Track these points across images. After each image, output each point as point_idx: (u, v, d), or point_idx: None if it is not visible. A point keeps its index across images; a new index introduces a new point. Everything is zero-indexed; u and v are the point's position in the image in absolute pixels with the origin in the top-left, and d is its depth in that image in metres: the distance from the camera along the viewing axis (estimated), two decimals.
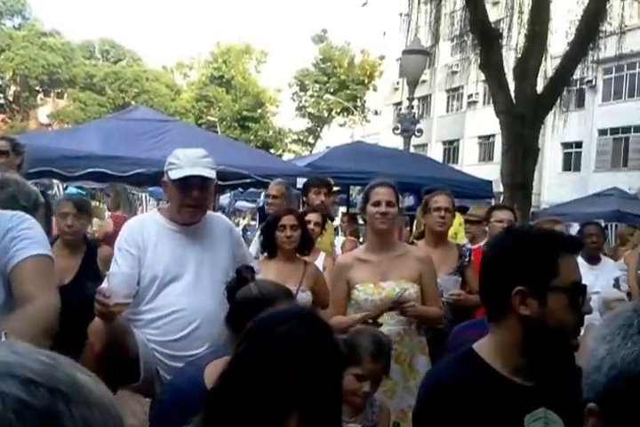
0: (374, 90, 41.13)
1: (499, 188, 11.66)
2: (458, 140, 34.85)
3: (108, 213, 5.79)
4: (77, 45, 44.22)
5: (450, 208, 4.01)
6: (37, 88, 42.93)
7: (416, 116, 11.95)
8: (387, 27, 34.88)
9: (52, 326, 1.98)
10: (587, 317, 3.76)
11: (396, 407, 2.96)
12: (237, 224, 15.75)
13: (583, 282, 1.58)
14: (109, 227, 5.87)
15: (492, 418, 1.50)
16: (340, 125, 42.53)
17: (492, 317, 1.63)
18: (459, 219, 6.98)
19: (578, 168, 27.85)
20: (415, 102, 14.05)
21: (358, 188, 9.38)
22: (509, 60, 12.22)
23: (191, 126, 14.40)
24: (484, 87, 23.23)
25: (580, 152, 27.82)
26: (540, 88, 11.71)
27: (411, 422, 1.78)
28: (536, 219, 9.41)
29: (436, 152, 34.02)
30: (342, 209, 11.18)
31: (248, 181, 7.15)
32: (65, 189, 8.57)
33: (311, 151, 38.07)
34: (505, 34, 12.61)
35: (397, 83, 34.43)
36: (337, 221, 9.35)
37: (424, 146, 34.43)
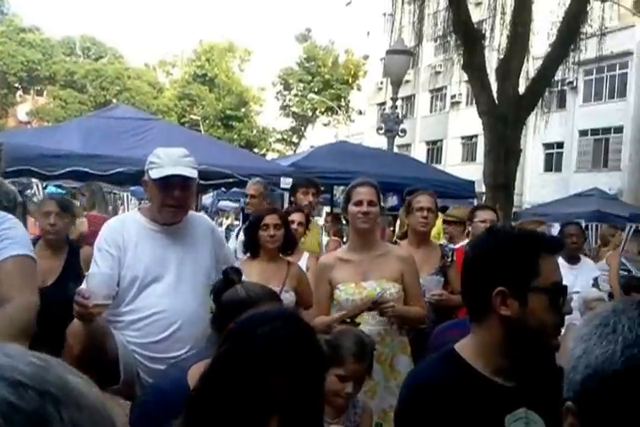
0: (358, 89, 41.19)
1: (481, 188, 11.72)
2: (441, 140, 35.01)
3: (83, 213, 5.72)
4: (57, 42, 43.85)
5: (432, 208, 4.01)
6: (16, 85, 42.49)
7: (400, 116, 11.99)
8: (370, 26, 34.96)
9: (30, 327, 1.95)
10: (567, 317, 3.80)
11: (377, 408, 2.96)
12: (220, 224, 15.69)
13: (563, 282, 1.59)
14: (84, 227, 5.82)
15: (473, 418, 1.50)
16: (325, 125, 42.55)
17: (473, 317, 1.64)
18: (442, 219, 7.00)
19: (559, 169, 28.08)
20: (399, 102, 14.10)
21: (342, 188, 9.37)
22: (492, 60, 12.30)
23: (173, 125, 14.35)
24: (467, 88, 23.33)
25: (562, 153, 28.05)
26: (522, 89, 11.79)
27: (392, 423, 1.78)
28: (518, 219, 9.49)
29: (419, 152, 34.14)
30: (326, 209, 11.18)
31: (231, 180, 7.11)
32: (44, 188, 8.48)
33: (295, 151, 38.06)
34: (487, 35, 12.69)
35: (381, 83, 34.51)
36: (321, 221, 9.34)
37: (408, 146, 34.54)
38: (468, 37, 11.64)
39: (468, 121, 24.57)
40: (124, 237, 2.81)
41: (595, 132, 26.53)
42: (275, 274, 3.78)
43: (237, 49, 45.26)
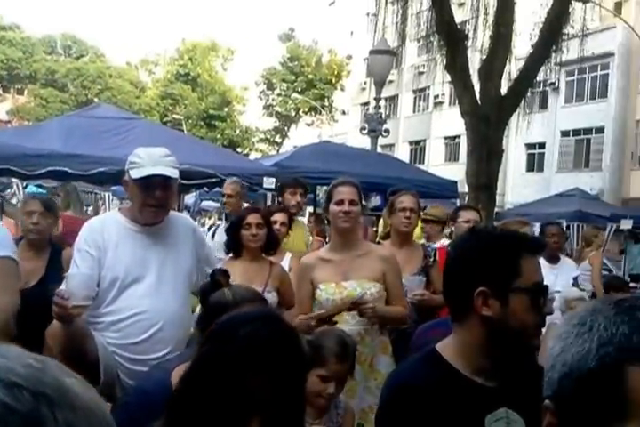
0: (342, 89, 41.21)
1: (464, 188, 11.77)
2: (424, 140, 35.12)
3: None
4: (38, 40, 43.51)
5: (415, 209, 4.02)
6: None
7: (383, 116, 12.01)
8: (354, 26, 34.99)
9: (6, 327, 1.93)
10: (549, 316, 3.82)
11: (357, 408, 2.95)
12: (203, 224, 15.61)
13: (544, 282, 1.59)
14: (58, 227, 5.75)
15: (454, 418, 1.51)
16: (308, 125, 42.52)
17: (454, 317, 1.64)
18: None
19: (541, 169, 28.29)
20: (382, 102, 14.12)
21: (325, 188, 9.36)
22: (475, 61, 12.35)
23: (156, 124, 14.26)
24: (450, 88, 23.42)
25: (544, 153, 28.26)
26: (504, 89, 11.85)
27: (372, 423, 1.78)
28: (500, 219, 9.54)
29: (402, 152, 34.23)
30: (309, 209, 11.18)
31: (214, 180, 7.08)
32: (24, 187, 8.39)
33: (278, 150, 38.00)
34: (470, 35, 12.75)
35: (365, 83, 34.59)
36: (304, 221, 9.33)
37: (391, 146, 34.62)
38: (450, 38, 11.69)
39: (451, 121, 24.66)
40: (104, 237, 2.78)
41: (576, 132, 26.75)
42: (257, 274, 3.78)
43: (220, 48, 45.13)
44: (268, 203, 7.15)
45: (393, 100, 35.80)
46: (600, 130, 25.68)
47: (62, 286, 2.55)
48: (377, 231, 6.86)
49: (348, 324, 3.09)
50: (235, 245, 3.88)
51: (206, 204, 17.16)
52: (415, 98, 36.13)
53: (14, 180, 7.99)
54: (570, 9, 12.01)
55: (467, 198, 11.74)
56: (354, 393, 2.98)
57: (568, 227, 12.60)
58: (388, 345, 3.23)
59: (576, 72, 24.96)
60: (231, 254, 3.96)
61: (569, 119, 26.44)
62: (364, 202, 4.00)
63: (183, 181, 5.39)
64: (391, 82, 20.90)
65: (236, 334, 1.56)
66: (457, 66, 11.65)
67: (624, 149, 25.23)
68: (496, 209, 13.55)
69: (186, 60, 43.00)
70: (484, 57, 12.00)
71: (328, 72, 40.14)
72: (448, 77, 12.67)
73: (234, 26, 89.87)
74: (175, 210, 5.52)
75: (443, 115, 31.88)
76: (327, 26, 40.74)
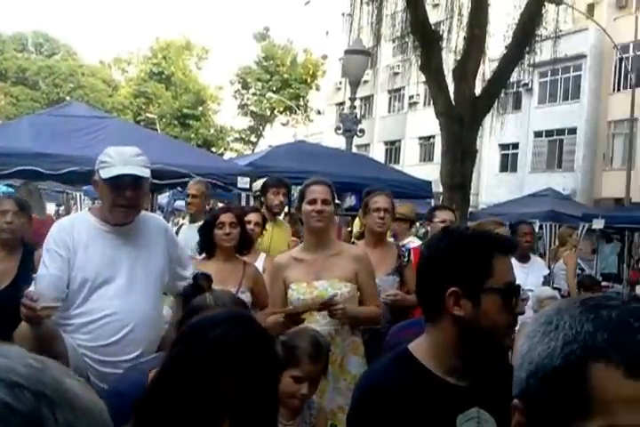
0: (317, 89, 41.22)
1: (438, 188, 11.82)
2: (399, 140, 35.29)
3: None
4: (8, 37, 42.91)
5: (389, 209, 4.02)
6: None
7: (358, 116, 12.00)
8: (329, 26, 35.02)
9: None
10: (522, 316, 3.84)
11: (326, 408, 2.95)
12: (177, 224, 15.50)
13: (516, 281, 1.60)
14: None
15: (426, 418, 1.51)
16: (283, 124, 42.46)
17: (427, 317, 1.64)
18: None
19: (514, 169, 28.57)
20: (357, 102, 14.13)
21: (300, 187, 9.36)
22: (449, 62, 12.42)
23: (128, 123, 14.10)
24: (425, 88, 23.54)
25: (517, 153, 28.55)
26: (478, 90, 11.93)
27: (343, 423, 1.77)
28: (474, 219, 9.59)
29: (378, 152, 34.37)
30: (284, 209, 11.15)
31: (187, 180, 7.01)
32: None
33: (253, 150, 37.88)
34: (445, 36, 12.81)
35: (340, 83, 34.65)
36: None
37: (366, 146, 34.74)
38: (425, 39, 11.73)
39: (426, 121, 24.81)
40: (73, 237, 2.74)
41: (549, 133, 27.06)
42: (231, 274, 3.75)
43: (195, 47, 44.90)
44: (243, 203, 7.11)
45: (368, 100, 35.90)
46: (572, 131, 26.01)
47: (31, 287, 2.51)
48: (352, 231, 6.87)
49: (319, 324, 3.07)
50: (208, 245, 3.86)
51: (180, 204, 17.01)
52: (390, 98, 36.28)
53: None
54: (543, 11, 12.12)
55: (441, 198, 11.79)
56: (323, 394, 2.97)
57: (541, 227, 12.74)
58: (360, 346, 3.23)
59: (549, 73, 25.26)
60: (204, 255, 3.93)
61: (542, 120, 26.74)
62: (337, 201, 4.00)
63: (156, 181, 5.35)
64: (366, 82, 20.91)
65: (207, 336, 1.55)
66: (431, 66, 11.70)
67: (596, 150, 25.59)
68: (470, 209, 13.65)
69: (160, 59, 42.69)
70: (459, 58, 12.06)
71: (303, 72, 40.11)
72: (423, 78, 12.72)
73: (208, 24, 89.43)
74: (148, 210, 5.47)
75: (417, 115, 32.06)
76: (302, 25, 40.75)
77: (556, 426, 0.81)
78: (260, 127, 43.18)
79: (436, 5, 16.28)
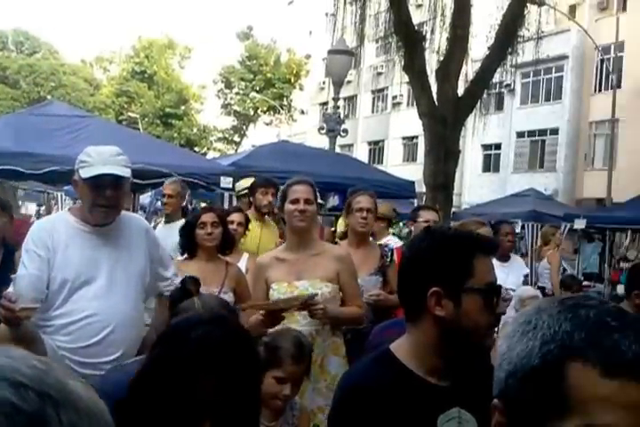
0: (301, 89, 41.18)
1: (421, 188, 11.86)
2: (383, 140, 35.36)
3: None
4: None
5: (372, 209, 4.02)
6: None
7: (341, 116, 12.00)
8: (313, 26, 35.00)
9: None
10: (505, 315, 3.85)
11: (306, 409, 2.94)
12: (159, 224, 15.43)
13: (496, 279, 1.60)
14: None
15: (407, 419, 1.51)
16: (267, 124, 42.37)
17: (408, 317, 1.64)
18: None
19: (497, 169, 28.73)
20: (341, 102, 14.13)
21: (282, 187, 9.33)
22: (432, 62, 12.45)
23: (110, 122, 14.02)
24: (408, 89, 23.60)
25: (499, 154, 28.71)
26: (461, 91, 11.98)
27: (323, 424, 1.76)
28: (457, 219, 9.65)
29: (361, 152, 34.43)
30: None
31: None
32: None
33: (236, 150, 37.78)
34: (428, 36, 12.85)
35: (323, 82, 34.63)
36: None
37: (350, 146, 34.78)
38: (408, 39, 11.76)
39: (409, 122, 24.88)
40: (53, 237, 2.72)
41: (531, 133, 27.24)
42: (213, 274, 3.73)
43: (177, 46, 44.69)
44: (226, 202, 7.08)
45: (352, 100, 35.93)
46: (554, 131, 26.20)
47: (10, 288, 2.48)
48: (335, 231, 6.86)
49: (300, 324, 3.07)
50: (190, 246, 3.84)
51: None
52: (374, 98, 36.34)
53: None
54: (525, 12, 12.20)
55: (424, 198, 11.83)
56: (303, 394, 2.96)
57: (523, 227, 12.82)
58: (341, 346, 3.22)
59: (531, 74, 25.42)
60: (186, 255, 3.91)
61: (524, 120, 26.92)
62: (320, 201, 3.99)
63: (137, 181, 5.33)
64: (350, 82, 20.92)
65: (188, 336, 1.54)
66: (415, 67, 11.73)
67: (577, 151, 25.80)
68: (453, 209, 13.71)
69: (142, 58, 42.44)
70: (442, 58, 12.10)
71: (287, 71, 40.04)
72: (406, 78, 12.76)
73: (191, 23, 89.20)
74: (129, 210, 5.43)
75: (401, 115, 32.14)
76: (286, 25, 40.69)
77: (535, 426, 0.81)
78: (244, 127, 43.06)
79: (419, 6, 16.33)
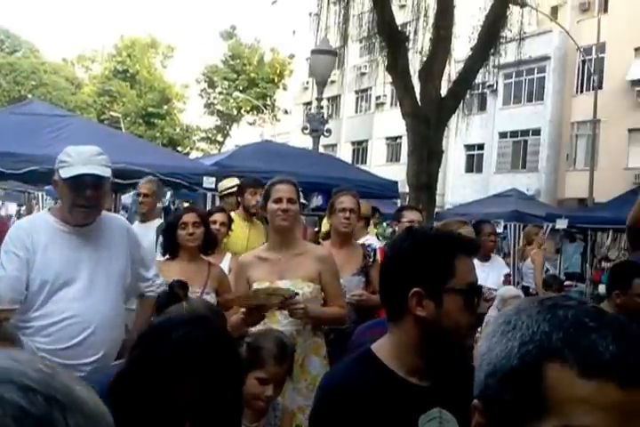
0: (284, 89, 41.11)
1: (405, 188, 11.90)
2: (366, 140, 35.40)
3: None
4: None
5: (355, 209, 4.02)
6: None
7: (325, 116, 12.00)
8: (296, 26, 34.98)
9: None
10: (487, 315, 3.87)
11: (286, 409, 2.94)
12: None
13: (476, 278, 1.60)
14: None
15: (388, 419, 1.51)
16: (250, 124, 42.24)
17: (390, 317, 1.65)
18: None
19: (480, 169, 28.86)
20: (324, 102, 14.14)
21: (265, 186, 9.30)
22: (415, 63, 12.49)
23: (92, 122, 13.92)
24: (392, 89, 23.67)
25: (482, 154, 28.84)
26: (444, 91, 12.02)
27: (303, 423, 1.76)
28: (440, 219, 9.68)
29: (345, 152, 34.44)
30: None
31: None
32: None
33: (220, 150, 37.63)
34: (411, 37, 12.88)
35: (307, 82, 34.60)
36: None
37: (334, 146, 34.79)
38: (392, 39, 11.79)
39: (393, 122, 24.92)
40: (32, 238, 2.69)
41: (514, 134, 27.40)
42: (196, 275, 3.71)
43: (160, 45, 44.45)
44: (208, 203, 7.06)
45: (335, 100, 35.93)
46: (537, 132, 26.37)
47: None
48: (318, 232, 6.86)
49: (281, 324, 3.06)
50: (171, 246, 3.81)
51: None
52: (357, 98, 36.37)
53: None
54: (507, 13, 12.27)
55: (407, 198, 11.86)
56: (284, 394, 2.95)
57: (505, 227, 12.90)
58: (322, 346, 3.22)
59: (513, 75, 25.57)
60: (167, 256, 3.89)
61: (507, 121, 27.06)
62: (303, 201, 3.98)
63: (119, 181, 5.29)
64: (333, 82, 20.94)
65: (168, 336, 1.53)
66: (398, 67, 11.76)
67: (559, 151, 25.98)
68: (436, 209, 13.75)
69: (124, 57, 42.16)
70: (425, 59, 12.14)
71: (270, 71, 39.95)
72: (389, 78, 12.78)
73: (174, 22, 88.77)
74: (110, 210, 5.39)
75: (384, 115, 32.18)
76: (269, 24, 40.62)
77: (514, 426, 0.80)
78: (227, 127, 42.91)
79: (402, 6, 16.37)
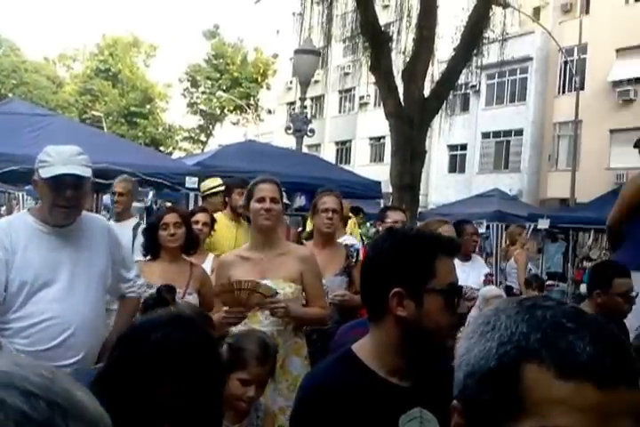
0: (268, 88, 41.03)
1: (388, 188, 11.93)
2: (350, 140, 35.43)
3: None
4: None
5: (338, 209, 4.01)
6: None
7: (309, 116, 12.01)
8: (280, 25, 34.94)
9: None
10: (470, 315, 3.88)
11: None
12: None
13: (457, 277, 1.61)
14: None
15: (369, 419, 1.51)
16: (233, 124, 42.11)
17: (371, 317, 1.65)
18: (352, 219, 7.07)
19: (462, 170, 28.99)
20: (308, 102, 14.16)
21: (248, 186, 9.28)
22: (399, 63, 12.52)
23: (73, 121, 13.83)
24: (375, 89, 23.72)
25: (465, 154, 28.97)
26: (427, 92, 12.06)
27: (284, 424, 1.75)
28: (423, 219, 9.72)
29: (328, 152, 34.45)
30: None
31: (134, 179, 6.90)
32: None
33: (203, 149, 37.49)
34: (394, 37, 12.91)
35: (291, 82, 34.55)
36: None
37: (317, 146, 34.79)
38: (375, 39, 11.81)
39: (376, 122, 24.95)
40: (11, 238, 2.66)
41: (496, 134, 27.55)
42: (178, 276, 3.69)
43: (142, 44, 44.22)
44: (191, 202, 7.03)
45: (319, 100, 35.93)
46: (519, 132, 26.53)
47: None
48: (301, 232, 6.86)
49: (262, 324, 3.05)
50: (152, 247, 3.79)
51: None
52: (341, 98, 36.40)
53: None
54: (490, 14, 12.34)
55: (391, 199, 11.89)
56: (265, 395, 2.95)
57: (488, 227, 12.97)
58: (303, 347, 3.21)
59: (496, 75, 25.73)
60: (149, 256, 3.86)
61: (489, 121, 27.20)
62: (286, 201, 3.97)
63: (101, 181, 5.26)
64: (317, 82, 20.96)
65: (147, 338, 1.52)
66: (381, 67, 11.78)
67: (541, 151, 26.17)
68: (419, 209, 13.80)
69: (106, 56, 41.89)
70: (408, 59, 12.18)
71: (254, 70, 39.84)
72: (373, 79, 12.80)
73: (156, 21, 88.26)
74: (91, 210, 5.34)
75: (368, 116, 32.24)
76: (253, 24, 40.53)
77: None
78: (210, 126, 42.75)
79: (385, 6, 16.42)
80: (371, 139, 33.49)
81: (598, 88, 23.13)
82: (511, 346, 0.79)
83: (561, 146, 25.52)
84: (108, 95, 40.70)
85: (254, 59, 40.66)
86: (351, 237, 5.70)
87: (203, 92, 41.26)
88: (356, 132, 34.39)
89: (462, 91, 21.19)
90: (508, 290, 8.61)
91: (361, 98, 32.95)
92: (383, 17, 12.91)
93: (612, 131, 22.64)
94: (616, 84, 23.04)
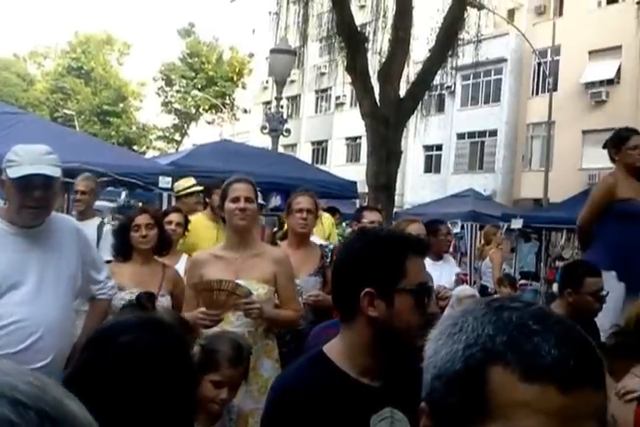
0: (244, 88, 40.86)
1: (364, 188, 11.95)
2: (326, 140, 35.45)
3: None
4: None
5: (312, 209, 3.99)
6: None
7: (284, 115, 11.98)
8: (256, 24, 34.81)
9: None
10: (444, 314, 3.88)
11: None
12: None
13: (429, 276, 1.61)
14: None
15: (340, 419, 1.51)
16: (209, 123, 41.85)
17: (342, 317, 1.65)
18: (330, 220, 7.05)
19: (438, 170, 29.18)
20: (284, 102, 14.13)
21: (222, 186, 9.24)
22: (375, 63, 12.56)
23: (44, 120, 13.67)
24: (352, 89, 23.77)
25: (440, 155, 29.16)
26: (402, 92, 12.11)
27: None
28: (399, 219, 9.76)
29: (304, 152, 34.43)
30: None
31: (106, 179, 6.83)
32: None
33: (177, 149, 37.23)
34: (370, 38, 12.95)
35: (267, 81, 34.47)
36: None
37: (293, 146, 34.75)
38: (351, 40, 11.83)
39: (353, 122, 24.99)
40: None
41: (471, 135, 27.77)
42: (150, 277, 3.65)
43: (116, 41, 43.79)
44: (164, 202, 6.97)
45: (295, 99, 35.92)
46: (493, 133, 26.77)
47: None
48: (277, 232, 6.83)
49: (233, 325, 3.04)
50: (123, 248, 3.74)
51: (99, 204, 16.59)
52: (317, 98, 36.40)
53: None
54: (465, 15, 12.44)
55: (367, 199, 11.92)
56: (237, 397, 2.93)
57: (463, 226, 13.07)
58: (274, 349, 3.20)
59: (471, 76, 25.92)
60: (120, 258, 3.81)
61: (464, 122, 27.40)
62: (261, 202, 3.95)
63: (72, 180, 5.18)
64: (293, 82, 20.96)
65: (116, 340, 1.50)
66: (357, 68, 11.81)
67: (515, 152, 26.43)
68: (395, 209, 13.85)
69: (79, 53, 41.40)
70: (384, 60, 12.22)
71: (229, 69, 39.63)
72: (349, 79, 12.83)
73: (130, 19, 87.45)
74: (62, 211, 5.27)
75: (344, 116, 32.28)
76: (228, 22, 40.34)
77: None
78: (185, 125, 42.46)
79: (362, 7, 16.46)
80: (347, 139, 33.54)
81: (571, 89, 23.42)
82: (477, 348, 0.78)
83: (534, 146, 25.80)
84: (80, 93, 40.24)
85: (230, 58, 40.46)
86: (317, 237, 5.69)
87: (177, 91, 40.96)
88: (332, 133, 34.42)
89: (437, 91, 21.31)
90: (483, 289, 8.69)
91: (337, 98, 32.99)
92: (359, 17, 12.94)
93: (584, 132, 22.93)
94: (588, 85, 23.35)
